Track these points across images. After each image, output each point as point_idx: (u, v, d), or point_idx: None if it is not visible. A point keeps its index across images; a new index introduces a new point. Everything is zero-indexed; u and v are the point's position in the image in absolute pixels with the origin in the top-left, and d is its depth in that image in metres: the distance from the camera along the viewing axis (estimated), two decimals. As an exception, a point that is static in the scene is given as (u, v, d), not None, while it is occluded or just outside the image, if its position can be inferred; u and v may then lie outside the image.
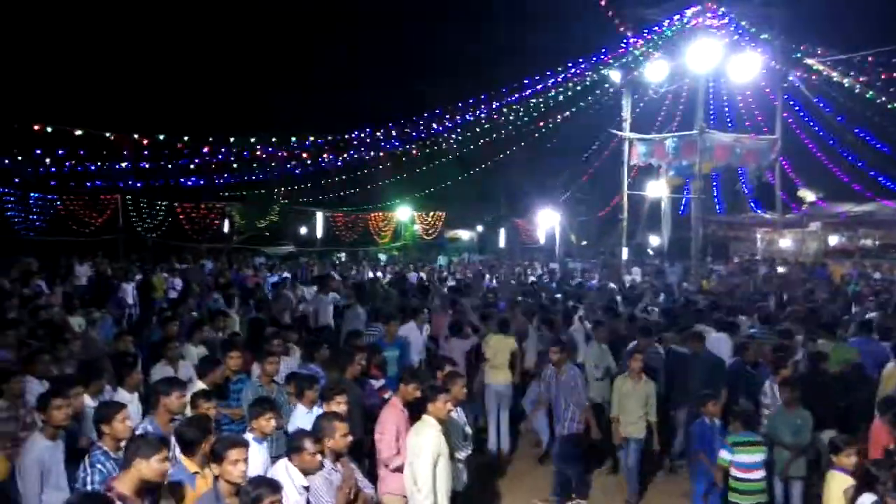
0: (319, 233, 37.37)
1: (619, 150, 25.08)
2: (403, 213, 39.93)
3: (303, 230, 39.29)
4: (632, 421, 7.27)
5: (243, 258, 28.25)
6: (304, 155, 27.47)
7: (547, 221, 33.53)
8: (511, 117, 27.19)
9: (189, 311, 11.44)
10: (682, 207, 30.08)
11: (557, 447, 7.48)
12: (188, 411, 5.73)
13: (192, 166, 26.28)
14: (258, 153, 26.26)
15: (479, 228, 42.36)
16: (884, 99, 23.56)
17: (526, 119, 26.98)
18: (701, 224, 23.51)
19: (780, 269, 24.33)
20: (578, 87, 25.16)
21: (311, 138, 25.98)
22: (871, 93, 23.26)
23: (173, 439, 4.84)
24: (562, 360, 7.44)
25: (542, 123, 27.55)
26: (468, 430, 6.10)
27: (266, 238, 37.65)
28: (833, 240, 30.90)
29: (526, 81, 24.70)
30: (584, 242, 40.96)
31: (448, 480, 5.34)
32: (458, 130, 27.73)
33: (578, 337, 10.13)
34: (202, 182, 29.03)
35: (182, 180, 28.14)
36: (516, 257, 35.38)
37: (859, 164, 28.25)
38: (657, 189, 26.70)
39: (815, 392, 7.21)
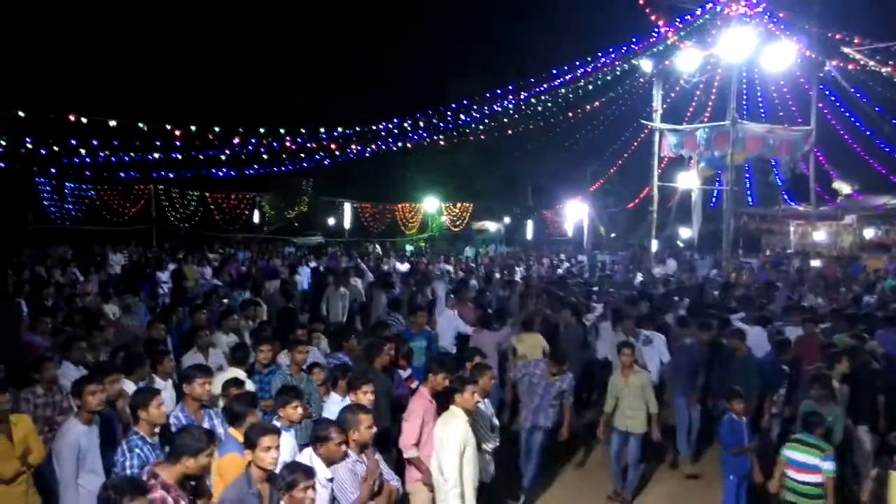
0: (347, 223, 37.62)
1: (650, 141, 24.76)
2: (431, 204, 39.98)
3: (331, 221, 39.59)
4: (630, 415, 7.19)
5: (273, 248, 28.57)
6: (333, 146, 27.62)
7: (575, 213, 33.32)
8: (540, 108, 27.01)
9: (220, 300, 11.60)
10: (713, 199, 29.66)
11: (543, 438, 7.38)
12: (220, 402, 5.84)
13: (223, 157, 26.61)
14: (287, 144, 26.48)
15: (507, 220, 42.22)
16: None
17: (555, 110, 26.77)
18: (732, 216, 23.13)
19: (815, 263, 23.85)
20: (609, 77, 24.89)
21: (340, 129, 26.11)
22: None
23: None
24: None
25: (571, 114, 27.32)
26: (495, 421, 6.09)
27: (295, 228, 38.02)
28: (869, 233, 30.22)
29: (555, 72, 24.52)
30: (613, 234, 40.60)
31: (475, 471, 5.35)
32: (486, 121, 27.61)
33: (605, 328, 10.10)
34: (233, 173, 29.37)
35: (213, 171, 28.50)
36: (543, 249, 35.25)
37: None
38: (688, 180, 26.34)
39: (855, 387, 7.13)
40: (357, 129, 26.44)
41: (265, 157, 28.21)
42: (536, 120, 28.88)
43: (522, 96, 25.18)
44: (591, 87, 25.08)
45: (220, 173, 28.97)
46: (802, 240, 31.31)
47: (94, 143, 23.48)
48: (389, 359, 7.05)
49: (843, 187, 32.96)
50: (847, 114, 26.86)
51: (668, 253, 27.61)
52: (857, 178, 32.52)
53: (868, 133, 26.95)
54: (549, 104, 26.31)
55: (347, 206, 37.72)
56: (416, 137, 27.84)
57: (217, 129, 23.31)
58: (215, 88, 35.12)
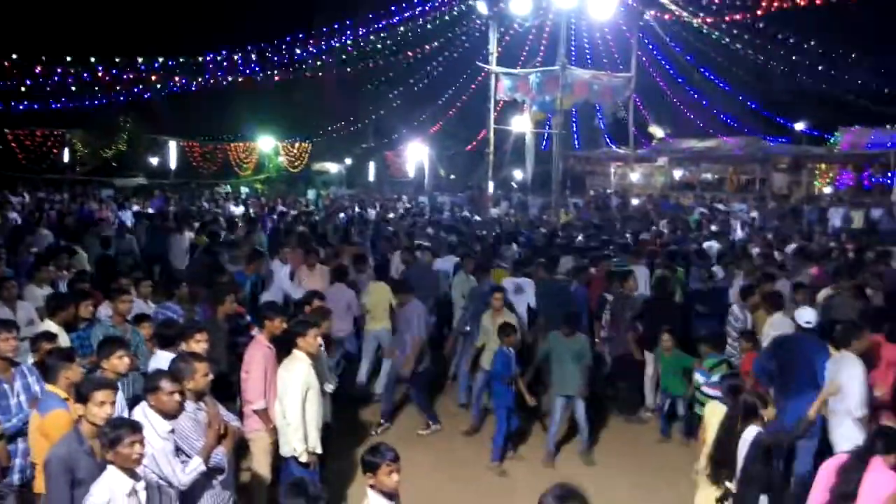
0: (173, 164, 35.09)
1: (486, 84, 25.25)
2: (266, 143, 38.27)
3: (154, 161, 36.71)
4: (492, 353, 7.49)
5: (89, 191, 26.07)
6: (154, 78, 25.38)
7: (416, 155, 33.51)
8: (378, 46, 26.52)
9: (28, 249, 10.44)
10: (544, 142, 31.08)
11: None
12: (29, 358, 5.31)
13: (22, 89, 23.62)
14: (100, 75, 23.94)
15: (348, 161, 41.63)
16: (727, 40, 25.26)
17: (394, 48, 26.40)
18: (561, 159, 24.39)
19: (634, 202, 25.97)
20: (446, 18, 24.85)
21: (161, 60, 23.98)
22: (716, 33, 24.81)
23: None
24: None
25: (410, 54, 27.11)
26: (332, 363, 6.12)
27: (113, 169, 34.91)
28: (678, 173, 33.30)
29: (393, 8, 24.07)
30: (453, 176, 41.46)
31: (319, 413, 5.37)
32: (323, 57, 26.69)
33: (448, 267, 10.25)
34: (35, 107, 26.18)
35: (13, 104, 25.26)
36: (385, 191, 35.23)
37: (704, 102, 30.41)
38: (521, 124, 27.30)
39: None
40: (181, 59, 24.44)
41: (74, 89, 25.35)
42: (375, 58, 28.38)
43: (360, 32, 24.51)
44: (429, 26, 24.94)
45: (21, 107, 25.76)
46: (622, 181, 33.88)
47: None
48: (232, 307, 6.76)
49: (658, 131, 35.95)
50: (663, 62, 29.02)
51: (503, 194, 28.77)
52: (670, 123, 35.61)
53: (680, 80, 29.38)
54: (388, 42, 25.88)
55: (173, 145, 35.13)
56: (247, 71, 26.29)
57: (15, 56, 20.62)
58: (14, 11, 30.67)
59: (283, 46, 24.61)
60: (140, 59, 23.64)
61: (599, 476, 6.53)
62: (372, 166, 40.66)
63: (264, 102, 35.46)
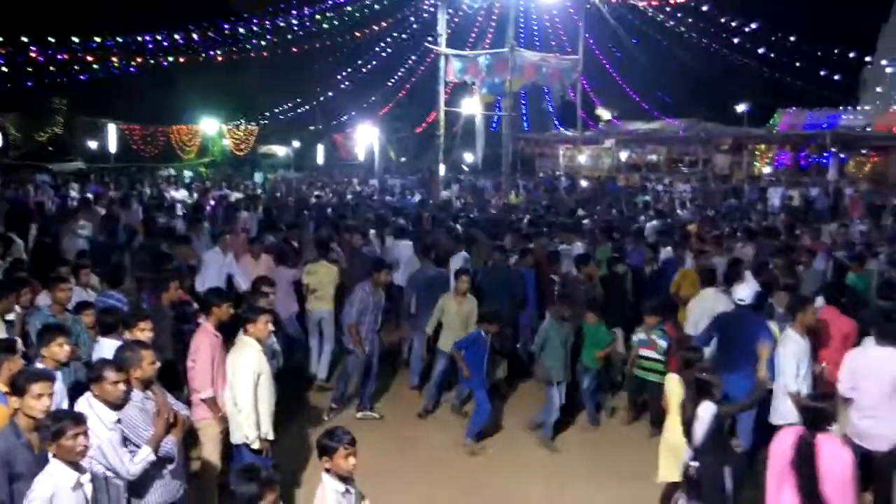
0: (113, 147, 33.89)
1: (436, 66, 25.13)
2: (210, 126, 37.29)
3: (93, 144, 35.38)
4: (452, 336, 7.46)
5: (25, 176, 24.97)
6: (90, 59, 24.38)
7: (365, 137, 33.18)
8: (326, 26, 26.08)
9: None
10: (494, 124, 31.20)
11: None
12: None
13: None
14: (33, 55, 22.87)
15: (296, 144, 40.92)
16: (671, 23, 25.72)
17: (342, 28, 26.00)
18: (511, 141, 24.53)
19: (584, 184, 26.33)
20: (395, -2, 24.60)
21: (98, 40, 23.05)
22: (660, 16, 25.23)
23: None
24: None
25: (358, 34, 26.76)
26: (277, 346, 6.08)
27: (49, 153, 33.54)
28: (623, 155, 33.92)
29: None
30: (403, 159, 41.24)
31: (270, 399, 5.30)
32: (269, 37, 26.12)
33: (403, 252, 10.14)
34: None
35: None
36: (335, 174, 34.83)
37: (648, 84, 30.98)
38: (471, 106, 27.32)
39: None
40: (118, 39, 23.53)
41: (5, 70, 24.17)
42: (322, 38, 27.91)
43: (307, 11, 24.03)
44: (377, 6, 24.63)
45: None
46: (570, 162, 34.34)
47: None
48: (178, 294, 6.60)
49: (604, 114, 36.52)
50: (610, 45, 29.39)
51: (453, 177, 28.80)
52: (616, 106, 36.19)
53: (626, 63, 29.83)
54: (336, 23, 25.46)
55: (112, 128, 33.89)
56: (190, 52, 25.52)
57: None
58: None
59: (227, 25, 23.95)
60: (75, 39, 22.67)
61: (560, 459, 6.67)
62: (321, 149, 40.08)
63: (207, 84, 34.52)
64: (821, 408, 3.90)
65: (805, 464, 3.75)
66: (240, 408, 5.12)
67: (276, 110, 34.64)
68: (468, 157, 35.05)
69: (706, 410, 4.45)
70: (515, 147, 29.84)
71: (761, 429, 5.75)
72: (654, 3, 24.99)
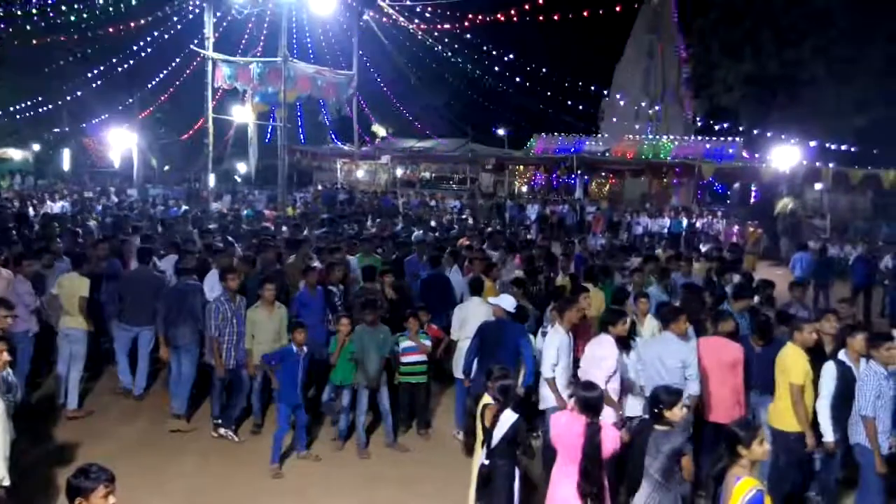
0: None
1: (203, 70, 23.74)
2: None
3: None
4: (265, 342, 7.12)
5: None
6: None
7: (122, 142, 30.19)
8: (73, 18, 23.47)
9: None
10: (268, 135, 30.30)
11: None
12: None
13: None
14: None
15: (36, 147, 36.13)
16: (439, 48, 27.10)
17: (92, 22, 23.55)
18: (287, 152, 23.99)
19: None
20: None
21: None
22: (429, 41, 26.47)
23: None
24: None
25: (112, 30, 24.42)
26: (12, 379, 5.24)
27: None
28: (399, 171, 34.94)
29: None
30: (167, 167, 38.39)
31: (6, 440, 4.60)
32: (2, 26, 22.89)
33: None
34: None
35: None
36: (85, 182, 31.35)
37: (421, 104, 32.34)
38: (243, 114, 26.24)
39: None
40: None
41: None
42: (70, 32, 25.08)
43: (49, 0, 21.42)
44: (134, 1, 22.70)
45: None
46: (348, 176, 34.57)
47: None
48: None
49: (380, 130, 37.36)
50: (383, 64, 30.15)
51: (225, 188, 27.42)
52: (391, 123, 37.23)
53: (398, 83, 30.84)
54: (85, 15, 22.99)
55: None
56: None
57: None
58: None
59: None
60: None
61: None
62: (67, 153, 35.87)
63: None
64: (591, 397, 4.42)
65: (589, 445, 4.28)
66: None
67: (12, 109, 30.19)
68: (241, 168, 33.60)
69: (507, 417, 4.68)
70: (292, 159, 29.24)
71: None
72: (423, 26, 26.14)
